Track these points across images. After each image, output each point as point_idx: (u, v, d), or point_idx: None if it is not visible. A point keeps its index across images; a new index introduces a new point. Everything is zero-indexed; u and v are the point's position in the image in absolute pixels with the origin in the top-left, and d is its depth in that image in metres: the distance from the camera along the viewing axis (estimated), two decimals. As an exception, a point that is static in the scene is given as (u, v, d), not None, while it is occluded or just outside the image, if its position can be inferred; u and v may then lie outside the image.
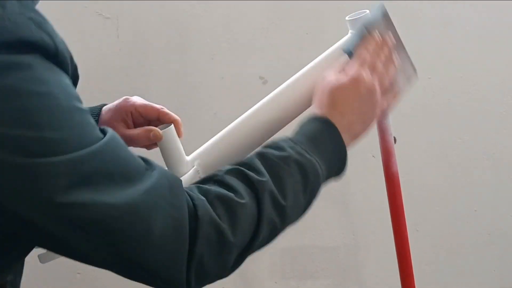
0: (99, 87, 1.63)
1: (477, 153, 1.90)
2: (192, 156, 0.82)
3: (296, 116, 0.83)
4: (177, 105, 1.68)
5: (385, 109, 0.85)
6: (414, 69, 0.88)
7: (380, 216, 1.92)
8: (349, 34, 0.84)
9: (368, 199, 1.89)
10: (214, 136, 0.85)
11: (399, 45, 0.85)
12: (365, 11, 0.83)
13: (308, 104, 0.81)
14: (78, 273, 1.67)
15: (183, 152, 0.80)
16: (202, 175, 0.77)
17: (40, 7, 1.58)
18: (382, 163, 0.93)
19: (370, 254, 1.95)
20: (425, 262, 1.92)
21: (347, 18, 0.84)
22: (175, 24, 1.64)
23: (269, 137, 0.82)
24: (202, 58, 1.67)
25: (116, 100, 0.96)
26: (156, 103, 1.08)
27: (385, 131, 0.91)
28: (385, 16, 0.82)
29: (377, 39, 0.80)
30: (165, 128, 0.80)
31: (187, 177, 0.77)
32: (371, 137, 1.94)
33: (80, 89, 1.78)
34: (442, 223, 1.95)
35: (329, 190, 1.92)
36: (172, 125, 0.80)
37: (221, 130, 0.86)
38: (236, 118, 0.89)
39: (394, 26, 0.84)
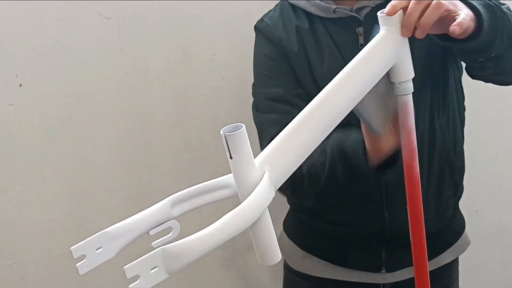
0: (99, 87, 1.63)
1: (478, 153, 1.90)
2: (260, 160, 0.70)
3: (366, 92, 0.81)
4: (177, 105, 1.68)
5: None
6: None
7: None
8: (381, 31, 0.82)
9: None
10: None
11: None
12: None
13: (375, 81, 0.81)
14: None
15: (253, 156, 0.68)
16: (272, 181, 0.69)
17: (40, 7, 1.58)
18: (404, 163, 0.91)
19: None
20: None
21: (378, 14, 0.83)
22: (175, 24, 1.64)
23: (338, 122, 0.77)
24: (203, 58, 1.67)
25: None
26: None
27: (410, 131, 0.89)
28: None
29: None
30: (236, 130, 0.65)
31: (262, 186, 0.66)
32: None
33: (81, 89, 1.79)
34: (444, 224, 1.94)
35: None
36: (244, 126, 0.66)
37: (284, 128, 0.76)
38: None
39: None
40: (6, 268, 1.70)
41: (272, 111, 1.18)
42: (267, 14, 1.28)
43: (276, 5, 1.28)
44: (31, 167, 1.64)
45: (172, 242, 0.62)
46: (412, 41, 0.91)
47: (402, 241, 1.08)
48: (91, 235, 0.66)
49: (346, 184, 1.14)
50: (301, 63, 1.19)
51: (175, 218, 0.68)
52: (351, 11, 1.17)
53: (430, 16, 0.82)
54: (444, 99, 1.23)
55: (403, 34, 0.82)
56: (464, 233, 1.41)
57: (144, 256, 0.60)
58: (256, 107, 1.24)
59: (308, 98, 1.09)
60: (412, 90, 0.87)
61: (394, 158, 0.99)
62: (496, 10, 0.94)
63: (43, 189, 1.66)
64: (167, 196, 0.72)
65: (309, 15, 1.20)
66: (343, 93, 0.76)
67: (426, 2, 0.82)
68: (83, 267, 0.64)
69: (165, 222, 0.67)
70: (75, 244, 0.66)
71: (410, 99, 0.87)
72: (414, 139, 0.89)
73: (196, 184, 0.72)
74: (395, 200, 1.18)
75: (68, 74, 1.61)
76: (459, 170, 1.29)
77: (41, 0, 1.55)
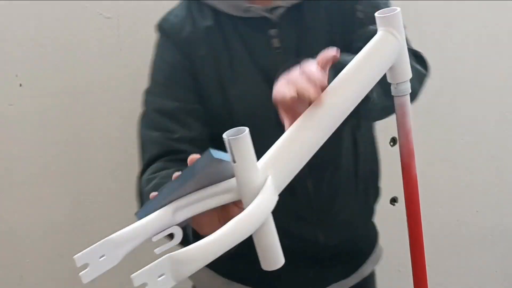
0: (99, 87, 1.63)
1: (479, 154, 1.90)
2: (262, 164, 0.68)
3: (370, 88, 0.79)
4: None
5: None
6: None
7: (382, 216, 1.92)
8: (378, 32, 0.81)
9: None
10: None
11: None
12: (396, 9, 0.80)
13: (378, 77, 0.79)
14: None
15: (256, 160, 0.66)
16: (275, 185, 0.67)
17: (40, 7, 1.57)
18: (402, 164, 0.91)
19: (371, 254, 1.95)
20: (427, 262, 1.92)
21: (376, 14, 0.81)
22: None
23: (339, 124, 0.75)
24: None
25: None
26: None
27: (408, 132, 0.89)
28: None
29: None
30: (239, 134, 0.63)
31: (266, 191, 0.65)
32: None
33: (81, 89, 1.78)
34: (444, 224, 1.94)
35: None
36: (247, 129, 0.64)
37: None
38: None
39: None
40: (6, 268, 1.70)
41: (157, 128, 1.07)
42: (171, 11, 1.15)
43: (181, 3, 1.16)
44: (31, 167, 1.64)
45: (175, 248, 0.61)
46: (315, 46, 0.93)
47: (331, 260, 1.07)
48: (90, 235, 0.65)
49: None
50: (208, 67, 1.09)
51: (178, 224, 0.68)
52: (264, 11, 1.08)
53: (310, 70, 0.75)
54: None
55: (320, 103, 0.73)
56: (378, 241, 1.33)
57: (151, 264, 0.59)
58: (142, 118, 1.12)
59: (210, 102, 1.08)
60: (410, 91, 0.87)
61: None
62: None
63: (43, 189, 1.65)
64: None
65: (217, 13, 1.10)
66: (342, 94, 0.76)
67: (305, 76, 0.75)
68: (86, 276, 0.63)
69: (167, 228, 0.67)
70: (75, 244, 0.65)
71: (407, 100, 0.87)
72: (412, 139, 0.89)
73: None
74: (327, 221, 1.15)
75: (68, 74, 1.60)
76: (377, 177, 1.25)
77: (41, 0, 1.55)
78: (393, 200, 1.89)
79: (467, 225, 1.97)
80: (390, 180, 1.86)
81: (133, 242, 0.65)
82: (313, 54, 1.04)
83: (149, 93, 1.13)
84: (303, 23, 1.09)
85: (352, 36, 1.08)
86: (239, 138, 0.63)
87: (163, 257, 0.59)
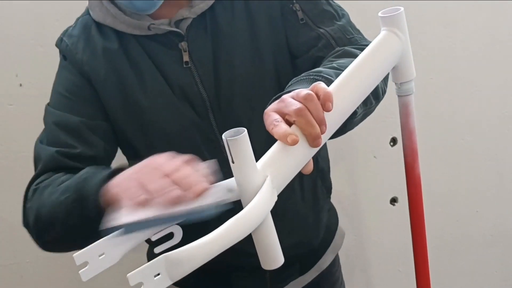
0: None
1: (479, 154, 1.90)
2: (262, 164, 0.68)
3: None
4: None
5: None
6: None
7: (382, 217, 1.92)
8: (382, 32, 0.80)
9: (370, 200, 1.88)
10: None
11: None
12: (400, 8, 0.80)
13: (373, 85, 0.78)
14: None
15: (254, 160, 0.66)
16: (275, 185, 0.67)
17: (40, 7, 1.57)
18: (406, 164, 0.90)
19: (372, 254, 1.94)
20: (427, 263, 1.92)
21: (380, 14, 0.80)
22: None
23: (340, 124, 0.74)
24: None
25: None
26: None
27: (412, 132, 0.88)
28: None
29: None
30: (237, 134, 0.63)
31: (264, 191, 0.65)
32: (373, 138, 1.95)
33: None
34: (444, 224, 1.94)
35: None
36: (246, 130, 0.63)
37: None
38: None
39: None
40: (6, 268, 1.70)
41: (55, 143, 1.01)
42: (66, 31, 1.08)
43: (77, 19, 1.09)
44: (31, 167, 1.63)
45: (174, 248, 0.61)
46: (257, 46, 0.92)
47: (287, 260, 1.05)
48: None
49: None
50: (111, 90, 1.02)
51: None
52: (169, 24, 1.01)
53: (318, 110, 0.69)
54: None
55: (318, 145, 0.70)
56: (338, 228, 1.28)
57: (147, 263, 0.59)
58: (41, 133, 1.07)
59: (121, 126, 1.03)
60: (414, 91, 0.86)
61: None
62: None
63: (43, 189, 1.65)
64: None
65: (119, 33, 1.02)
66: (343, 95, 0.75)
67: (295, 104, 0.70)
68: (85, 273, 0.63)
69: (167, 227, 0.67)
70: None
71: (411, 100, 0.86)
72: (415, 139, 0.89)
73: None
74: (275, 224, 1.11)
75: (68, 74, 1.60)
76: (328, 172, 1.23)
77: (41, 0, 1.55)
78: (393, 200, 1.90)
79: (467, 225, 1.97)
80: (390, 180, 1.87)
81: (132, 241, 0.65)
82: (232, 60, 1.01)
83: (52, 105, 1.06)
84: (217, 29, 1.02)
85: (295, 36, 1.04)
86: (237, 139, 0.62)
87: (159, 256, 0.59)
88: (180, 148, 0.78)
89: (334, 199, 1.28)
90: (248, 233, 0.63)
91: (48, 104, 1.07)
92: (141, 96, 1.02)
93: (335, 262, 1.29)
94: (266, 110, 0.72)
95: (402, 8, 0.80)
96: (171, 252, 0.60)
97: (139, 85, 1.02)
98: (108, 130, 1.04)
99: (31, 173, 1.63)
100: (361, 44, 1.03)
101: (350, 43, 1.03)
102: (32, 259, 1.70)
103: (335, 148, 1.81)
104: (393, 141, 1.81)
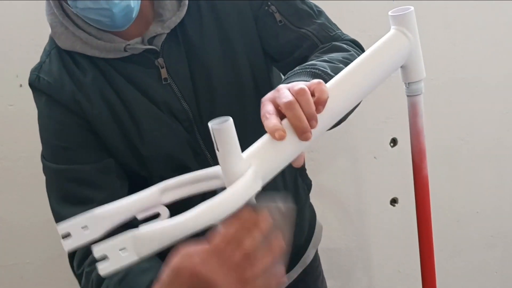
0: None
1: (479, 154, 1.90)
2: (248, 154, 0.68)
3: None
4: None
5: None
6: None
7: (382, 217, 1.92)
8: (391, 30, 0.79)
9: (370, 200, 1.88)
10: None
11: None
12: (410, 8, 0.79)
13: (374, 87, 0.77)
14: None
15: (239, 149, 0.67)
16: (260, 175, 0.67)
17: (40, 7, 1.57)
18: (413, 165, 0.89)
19: (372, 255, 1.94)
20: (427, 263, 1.92)
21: (390, 13, 0.79)
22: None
23: (336, 120, 0.75)
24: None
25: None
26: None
27: (420, 132, 0.88)
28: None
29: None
30: (222, 122, 0.64)
31: (247, 178, 0.65)
32: (373, 139, 1.94)
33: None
34: (444, 225, 1.94)
35: (330, 191, 1.91)
36: (231, 119, 0.64)
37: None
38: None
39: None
40: (6, 268, 1.70)
41: (74, 201, 0.95)
42: (40, 68, 1.01)
43: (47, 52, 1.02)
44: (31, 167, 1.64)
45: None
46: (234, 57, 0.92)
47: None
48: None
49: None
50: (106, 123, 0.97)
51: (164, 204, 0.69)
52: (142, 42, 0.97)
53: (309, 105, 0.69)
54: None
55: (307, 139, 0.69)
56: (317, 222, 1.29)
57: (114, 237, 0.61)
58: (51, 188, 1.00)
59: (122, 158, 0.98)
60: (423, 91, 0.86)
61: None
62: (326, 78, 0.82)
63: (43, 189, 1.65)
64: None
65: (92, 59, 0.97)
66: (343, 92, 0.75)
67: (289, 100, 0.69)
68: (68, 244, 0.65)
69: (154, 207, 0.67)
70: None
71: (420, 100, 0.86)
72: (423, 140, 0.88)
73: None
74: None
75: (68, 74, 1.60)
76: (305, 169, 1.25)
77: (41, 0, 1.55)
78: (393, 201, 1.90)
79: (467, 226, 1.97)
80: (390, 181, 1.87)
81: (117, 218, 0.66)
82: (208, 71, 0.99)
83: (50, 160, 1.00)
84: (188, 42, 0.99)
85: (274, 39, 1.02)
86: (222, 127, 0.63)
87: (127, 233, 0.61)
88: (177, 164, 0.77)
89: (333, 199, 1.28)
90: (223, 217, 0.64)
91: (44, 157, 1.01)
92: (129, 121, 0.98)
93: (316, 257, 1.32)
94: (263, 99, 0.73)
95: (412, 8, 0.80)
96: (141, 229, 0.62)
97: (124, 110, 0.98)
98: (115, 165, 1.00)
99: (31, 173, 1.64)
100: (345, 39, 1.03)
101: (334, 39, 1.02)
102: (32, 259, 1.70)
103: (335, 149, 1.81)
104: (393, 142, 1.81)
